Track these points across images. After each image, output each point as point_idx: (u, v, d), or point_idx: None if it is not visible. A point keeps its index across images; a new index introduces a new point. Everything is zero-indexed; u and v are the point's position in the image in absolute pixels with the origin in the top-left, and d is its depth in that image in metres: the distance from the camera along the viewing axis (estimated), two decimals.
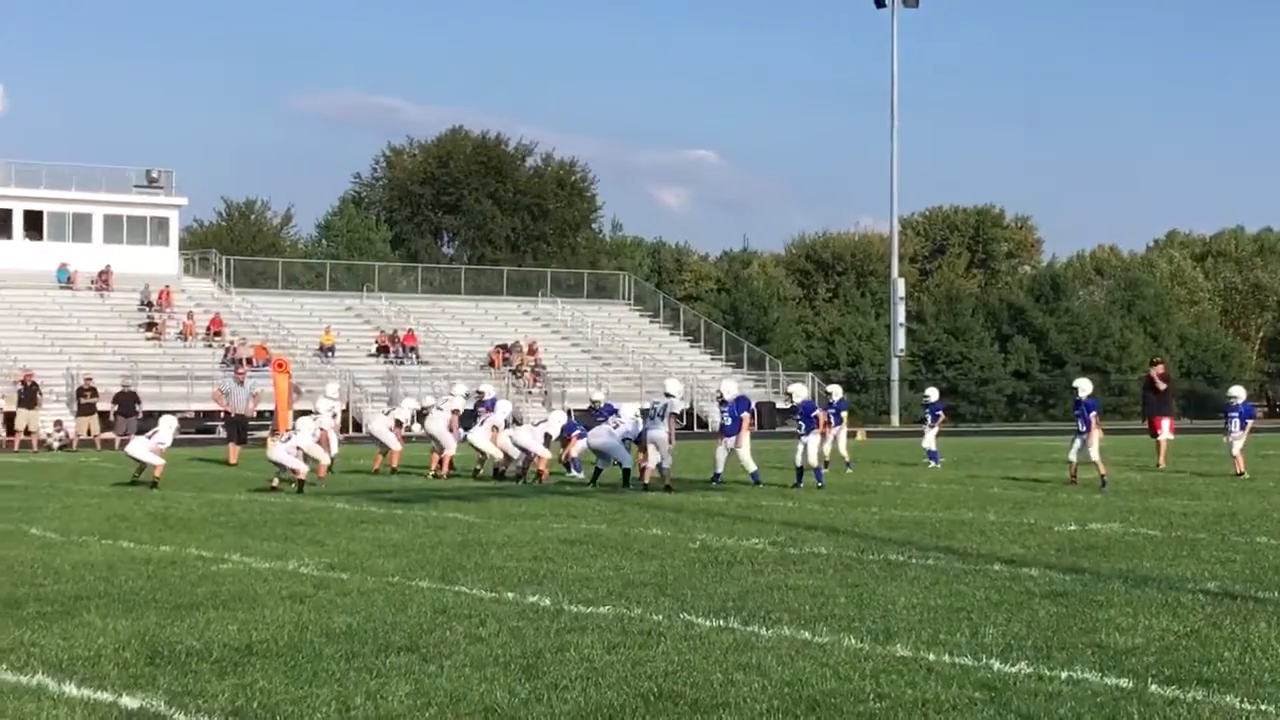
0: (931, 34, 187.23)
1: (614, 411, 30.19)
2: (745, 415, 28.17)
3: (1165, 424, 35.00)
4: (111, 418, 51.10)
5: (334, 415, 30.55)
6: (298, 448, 27.46)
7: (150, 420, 40.89)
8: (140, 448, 29.07)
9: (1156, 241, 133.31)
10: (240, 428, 40.14)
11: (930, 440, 35.78)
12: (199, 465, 36.79)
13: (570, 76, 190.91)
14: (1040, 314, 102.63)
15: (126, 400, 51.25)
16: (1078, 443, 28.38)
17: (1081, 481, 27.89)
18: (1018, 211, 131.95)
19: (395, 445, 33.43)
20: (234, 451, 38.60)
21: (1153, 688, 9.27)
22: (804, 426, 27.89)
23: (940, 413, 36.69)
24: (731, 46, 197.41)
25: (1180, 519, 20.83)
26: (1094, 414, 28.27)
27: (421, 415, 34.12)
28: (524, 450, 29.86)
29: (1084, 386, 29.09)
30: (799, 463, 27.75)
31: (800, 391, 28.92)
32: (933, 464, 35.01)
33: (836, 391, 35.74)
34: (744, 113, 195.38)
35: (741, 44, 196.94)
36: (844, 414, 34.92)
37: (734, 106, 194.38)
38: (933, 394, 37.22)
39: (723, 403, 28.46)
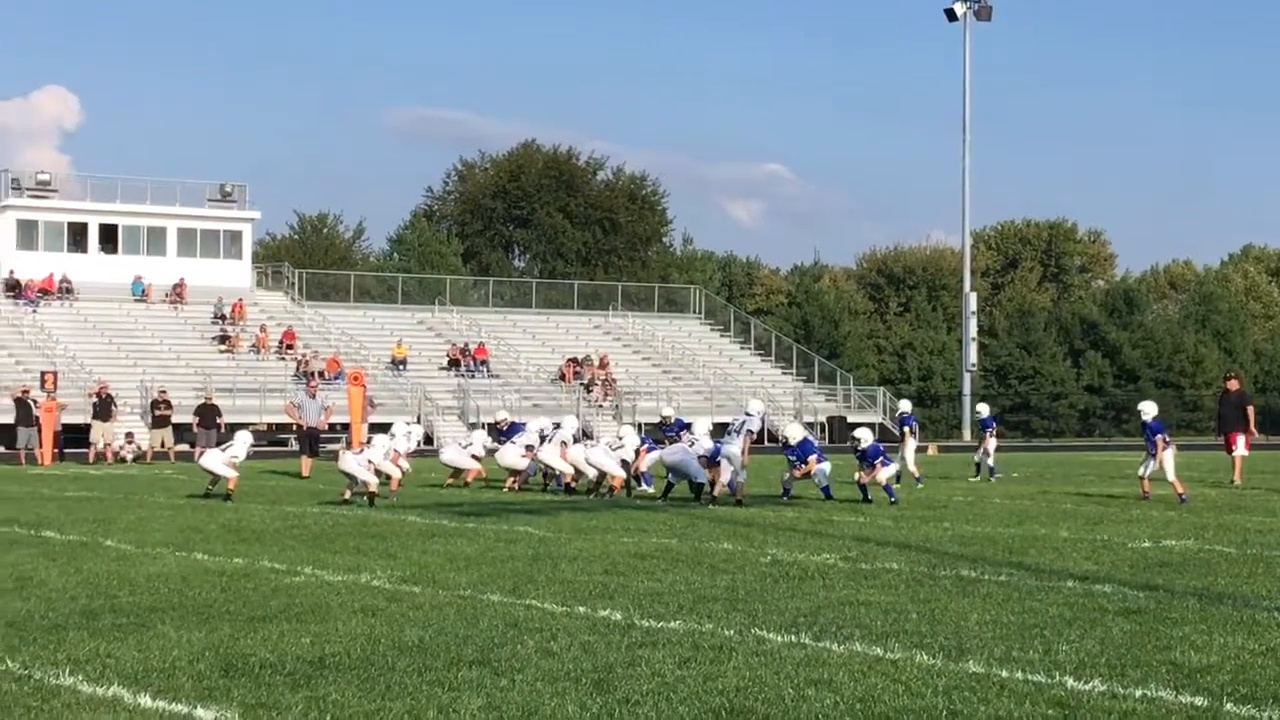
0: (1004, 47, 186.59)
1: (685, 427, 30.15)
2: (811, 458, 27.94)
3: (1240, 440, 34.75)
4: (193, 430, 51.43)
5: (409, 437, 30.56)
6: (369, 461, 27.58)
7: (229, 434, 41.18)
8: (214, 460, 29.25)
9: (1231, 256, 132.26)
10: (312, 440, 40.35)
11: (983, 454, 36.04)
12: (271, 478, 36.97)
13: (642, 91, 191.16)
14: (1113, 328, 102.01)
15: (208, 413, 51.59)
16: (1150, 463, 28.29)
17: (1155, 497, 27.72)
18: (1091, 225, 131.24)
19: (472, 465, 33.47)
20: (306, 464, 38.80)
21: (1228, 706, 9.20)
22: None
23: (993, 426, 36.95)
24: (803, 60, 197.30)
25: (1256, 535, 20.67)
26: (1159, 435, 28.18)
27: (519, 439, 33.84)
28: (598, 469, 29.89)
29: (1147, 410, 29.15)
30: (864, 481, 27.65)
31: (866, 435, 28.63)
32: (991, 479, 35.17)
33: (904, 406, 35.72)
34: (815, 126, 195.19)
35: (813, 57, 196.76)
36: (912, 428, 34.92)
37: (805, 120, 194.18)
38: (983, 409, 37.60)
39: (786, 446, 28.46)
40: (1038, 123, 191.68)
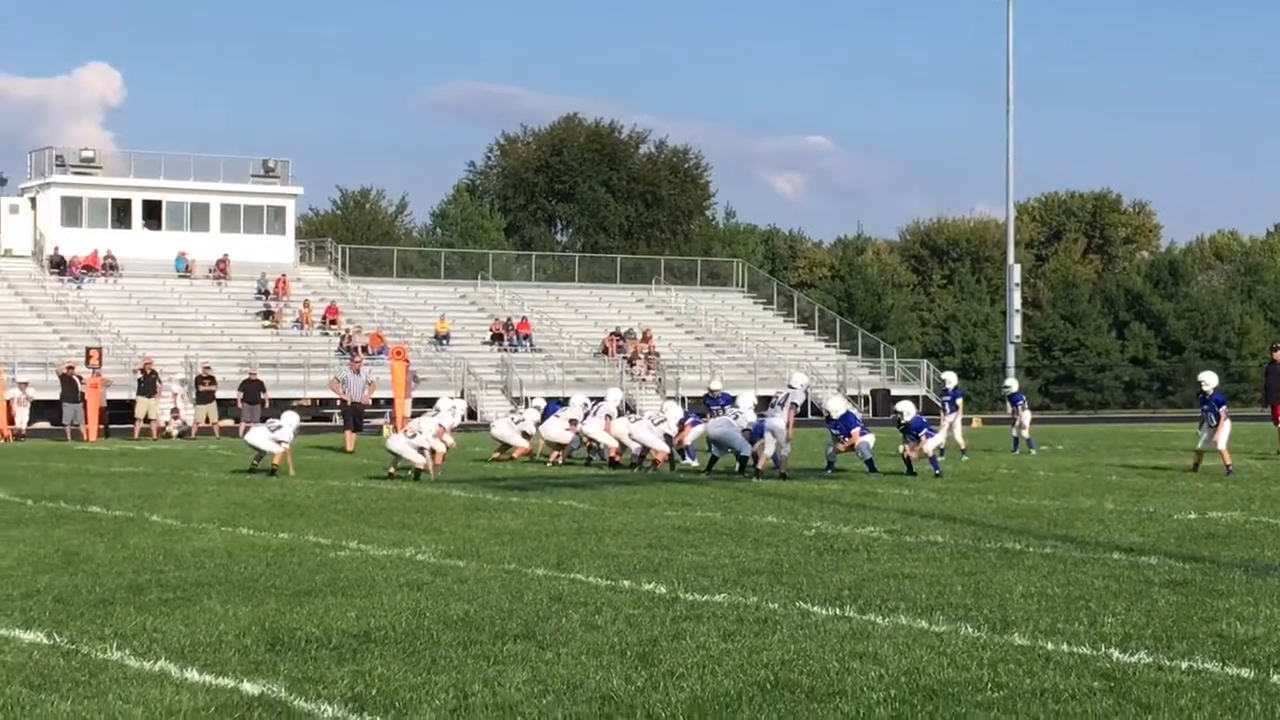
0: (1048, 17, 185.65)
1: (730, 401, 30.14)
2: (855, 431, 27.97)
3: None
4: (238, 405, 51.60)
5: (453, 412, 30.57)
6: (418, 442, 27.62)
7: (273, 409, 41.32)
8: (260, 436, 29.35)
9: (1277, 226, 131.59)
10: (356, 415, 40.51)
11: (1019, 428, 36.07)
12: (316, 453, 37.08)
13: (685, 64, 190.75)
14: (1158, 300, 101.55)
15: (252, 388, 51.74)
16: (1206, 434, 28.01)
17: (1202, 469, 27.61)
18: (1135, 196, 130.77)
19: (521, 443, 33.56)
20: (350, 439, 38.94)
21: (1274, 678, 9.18)
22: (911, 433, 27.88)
23: (1023, 399, 36.99)
24: (847, 33, 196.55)
25: None
26: (1223, 407, 27.88)
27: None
28: (641, 444, 29.92)
29: (1209, 379, 28.50)
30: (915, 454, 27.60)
31: (909, 409, 28.54)
32: (1031, 451, 35.25)
33: (951, 379, 35.65)
34: (859, 99, 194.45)
35: (857, 30, 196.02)
36: (959, 401, 34.87)
37: (849, 93, 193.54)
38: (1012, 384, 37.65)
39: (829, 420, 28.48)
40: (1083, 93, 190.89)
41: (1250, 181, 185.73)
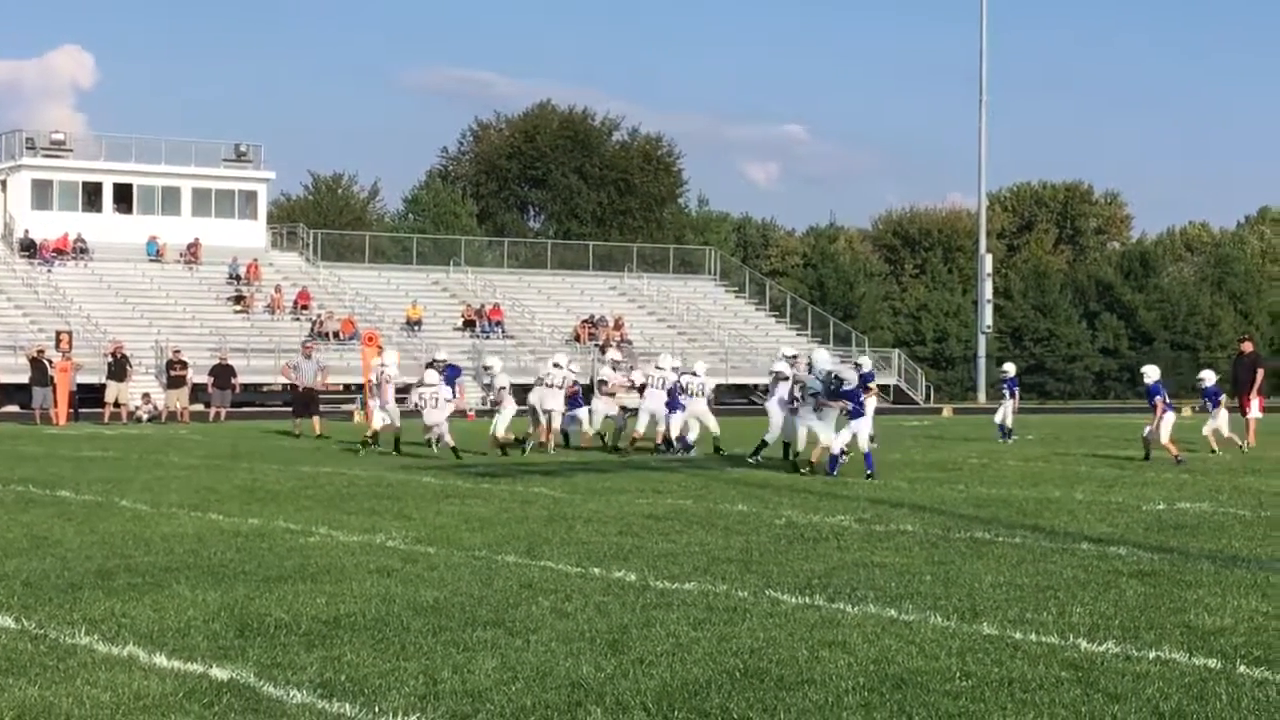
0: (1022, 8, 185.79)
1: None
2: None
3: (1255, 402, 34.71)
4: (208, 390, 51.47)
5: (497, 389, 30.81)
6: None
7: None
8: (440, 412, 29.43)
9: (1248, 218, 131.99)
10: (310, 401, 40.53)
11: (1003, 415, 35.79)
12: (286, 439, 37.01)
13: (661, 52, 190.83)
14: (1129, 291, 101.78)
15: (223, 373, 51.60)
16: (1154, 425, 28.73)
17: (1168, 460, 27.72)
18: (1107, 187, 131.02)
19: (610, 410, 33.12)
20: (317, 423, 39.04)
21: (1241, 668, 9.21)
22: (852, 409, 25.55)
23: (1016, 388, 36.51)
24: (822, 21, 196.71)
25: (1270, 498, 20.67)
26: (1158, 398, 28.63)
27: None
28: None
29: (1150, 373, 29.85)
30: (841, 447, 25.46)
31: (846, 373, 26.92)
32: (1003, 440, 35.10)
33: (1009, 369, 35.94)
34: (834, 88, 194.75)
35: (832, 19, 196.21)
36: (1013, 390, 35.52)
37: (824, 82, 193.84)
38: (1010, 369, 37.25)
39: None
40: (1055, 85, 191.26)
41: (1221, 174, 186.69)
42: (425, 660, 9.41)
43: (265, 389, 63.45)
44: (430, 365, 31.50)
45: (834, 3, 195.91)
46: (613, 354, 35.39)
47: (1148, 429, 29.16)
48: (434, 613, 11.05)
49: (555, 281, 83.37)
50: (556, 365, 31.54)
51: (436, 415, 29.09)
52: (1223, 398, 32.66)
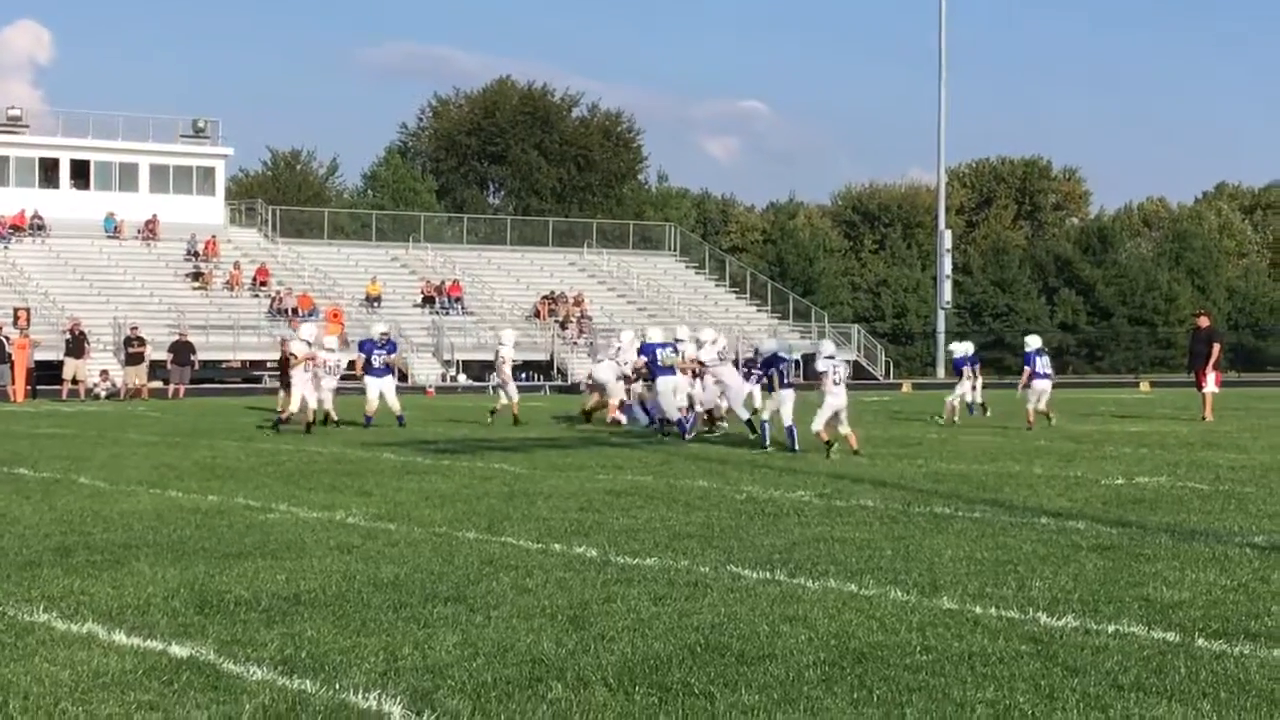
0: None
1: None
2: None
3: (1211, 377, 34.85)
4: (167, 366, 51.26)
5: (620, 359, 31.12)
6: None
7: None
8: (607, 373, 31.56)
9: (1205, 194, 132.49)
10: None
11: (962, 392, 35.40)
12: (248, 414, 36.91)
13: (619, 27, 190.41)
14: (1087, 266, 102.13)
15: (182, 350, 51.40)
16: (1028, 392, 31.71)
17: (1128, 434, 27.84)
18: (1065, 163, 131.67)
19: (618, 392, 32.87)
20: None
21: (1200, 641, 9.25)
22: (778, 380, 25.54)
23: (966, 367, 35.75)
24: None
25: (1228, 472, 20.75)
26: (1028, 366, 31.89)
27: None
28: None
29: (1030, 342, 32.83)
30: (766, 417, 25.97)
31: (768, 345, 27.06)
32: (971, 414, 35.28)
33: (965, 348, 35.91)
34: (794, 63, 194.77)
35: None
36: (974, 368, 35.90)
37: (783, 57, 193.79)
38: (957, 348, 36.30)
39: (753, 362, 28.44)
40: (1014, 60, 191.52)
41: (1179, 149, 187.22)
42: (386, 636, 9.39)
43: (224, 365, 63.32)
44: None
45: None
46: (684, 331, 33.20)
47: (1031, 399, 31.68)
48: (394, 589, 11.03)
49: (515, 258, 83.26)
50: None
51: (330, 383, 31.26)
52: (965, 369, 34.96)
